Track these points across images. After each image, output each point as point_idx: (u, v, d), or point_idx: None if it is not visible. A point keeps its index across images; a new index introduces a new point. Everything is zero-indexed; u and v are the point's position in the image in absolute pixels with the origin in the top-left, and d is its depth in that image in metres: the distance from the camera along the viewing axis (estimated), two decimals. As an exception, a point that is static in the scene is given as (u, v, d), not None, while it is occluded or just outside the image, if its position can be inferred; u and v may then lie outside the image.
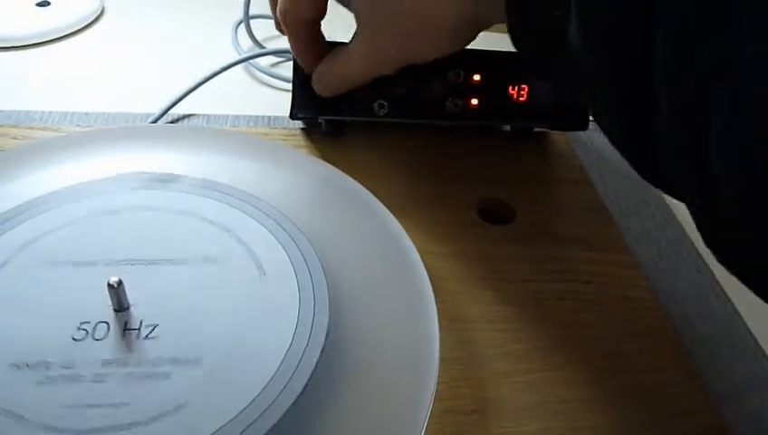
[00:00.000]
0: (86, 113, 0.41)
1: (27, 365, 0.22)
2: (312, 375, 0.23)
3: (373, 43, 0.33)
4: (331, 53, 0.36)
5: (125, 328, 0.24)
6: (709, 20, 0.18)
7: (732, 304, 0.37)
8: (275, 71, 0.48)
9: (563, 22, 0.23)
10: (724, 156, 0.18)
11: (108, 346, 0.23)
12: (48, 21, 0.50)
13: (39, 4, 0.51)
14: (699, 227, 0.21)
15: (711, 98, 0.18)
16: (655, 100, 0.20)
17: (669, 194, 0.24)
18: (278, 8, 0.35)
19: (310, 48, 0.37)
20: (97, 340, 0.23)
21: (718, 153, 0.18)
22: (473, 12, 0.29)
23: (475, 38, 0.31)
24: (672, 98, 0.20)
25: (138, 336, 0.24)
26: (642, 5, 0.20)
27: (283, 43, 0.38)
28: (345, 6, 0.33)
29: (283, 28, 0.36)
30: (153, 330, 0.24)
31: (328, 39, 0.38)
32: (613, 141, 0.25)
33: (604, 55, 0.22)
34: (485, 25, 0.31)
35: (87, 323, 0.24)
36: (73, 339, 0.23)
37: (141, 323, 0.24)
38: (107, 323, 0.24)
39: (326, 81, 0.37)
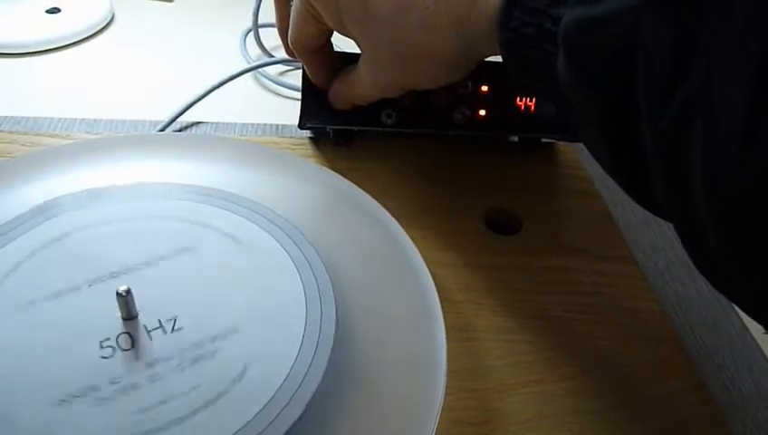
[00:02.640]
0: (95, 120, 0.42)
1: (75, 396, 0.22)
2: (319, 386, 0.23)
3: (377, 72, 0.34)
4: (342, 72, 0.38)
5: (148, 330, 0.24)
6: (685, 54, 0.19)
7: (739, 316, 0.37)
8: (284, 79, 0.48)
9: (552, 55, 0.24)
10: (702, 183, 0.19)
11: (142, 351, 0.23)
12: (57, 28, 0.50)
13: (49, 11, 0.51)
14: (685, 248, 0.22)
15: (688, 127, 0.19)
16: (639, 128, 0.21)
17: (657, 215, 0.25)
18: (288, 38, 0.37)
19: (322, 69, 0.38)
20: (127, 350, 0.23)
21: (697, 180, 0.19)
22: (466, 46, 0.30)
23: (474, 67, 0.32)
24: (654, 127, 0.20)
25: (165, 332, 0.24)
26: (621, 43, 0.21)
27: (292, 52, 0.39)
28: (347, 36, 0.33)
29: (295, 55, 0.38)
30: (175, 322, 0.24)
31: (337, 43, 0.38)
32: (601, 164, 0.25)
33: (589, 87, 0.23)
34: (482, 57, 0.31)
35: (107, 339, 0.24)
36: (103, 358, 0.23)
37: (160, 320, 0.24)
38: (128, 334, 0.24)
39: (341, 99, 0.38)
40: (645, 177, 0.22)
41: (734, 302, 0.22)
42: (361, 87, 0.36)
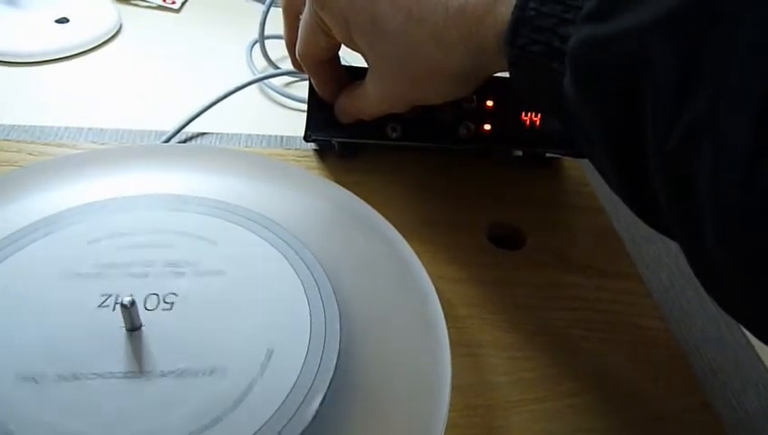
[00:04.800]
0: (101, 130, 0.42)
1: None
2: (322, 402, 0.23)
3: (385, 87, 0.34)
4: (349, 87, 0.38)
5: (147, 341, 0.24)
6: (692, 75, 0.19)
7: (744, 333, 0.36)
8: (289, 91, 0.48)
9: (560, 74, 0.24)
10: (708, 200, 0.19)
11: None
12: (66, 38, 0.50)
13: (58, 21, 0.52)
14: (693, 270, 0.22)
15: (695, 147, 0.19)
16: (645, 146, 0.21)
17: (661, 231, 0.25)
18: (296, 51, 0.37)
19: (329, 82, 0.38)
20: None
21: (702, 197, 0.19)
22: (474, 62, 0.30)
23: (482, 83, 0.32)
24: (660, 145, 0.20)
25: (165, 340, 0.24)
26: (629, 62, 0.21)
27: (298, 64, 0.39)
28: (355, 51, 0.34)
29: (302, 67, 0.38)
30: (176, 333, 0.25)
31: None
32: (607, 181, 0.25)
33: (595, 105, 0.23)
34: (490, 73, 0.31)
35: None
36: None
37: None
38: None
39: (347, 114, 0.38)
40: (650, 194, 0.22)
41: (737, 319, 0.22)
42: (368, 102, 0.36)
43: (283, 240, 0.29)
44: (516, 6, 0.26)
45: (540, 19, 0.25)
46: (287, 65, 0.49)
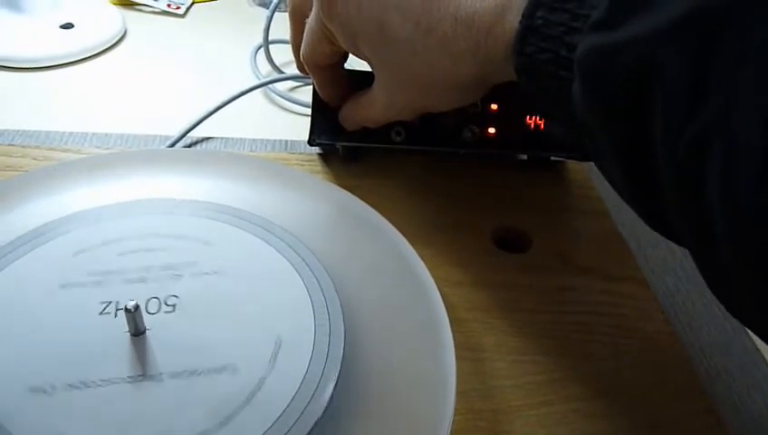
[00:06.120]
0: (106, 135, 0.42)
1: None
2: (327, 406, 0.23)
3: (391, 95, 0.34)
4: (355, 95, 0.37)
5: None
6: (702, 80, 0.19)
7: (750, 336, 0.36)
8: (293, 95, 0.48)
9: (568, 81, 0.24)
10: (720, 206, 0.19)
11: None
12: (71, 43, 0.51)
13: (63, 27, 0.52)
14: (702, 274, 0.22)
15: (706, 151, 0.19)
16: (654, 152, 0.21)
17: (672, 240, 0.24)
18: (300, 55, 0.37)
19: (332, 87, 0.38)
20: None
21: (715, 203, 0.19)
22: (482, 71, 0.30)
23: (488, 91, 0.32)
24: (671, 151, 0.20)
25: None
26: (638, 69, 0.21)
27: (302, 68, 0.39)
28: (361, 58, 0.34)
29: (307, 71, 0.38)
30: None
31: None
32: (617, 189, 0.25)
33: (604, 113, 0.23)
34: (497, 81, 0.31)
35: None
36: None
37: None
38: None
39: (352, 121, 0.38)
40: (658, 199, 0.22)
41: (743, 322, 0.22)
42: (374, 109, 0.36)
43: (287, 244, 0.29)
44: (524, 15, 0.26)
45: (548, 28, 0.25)
46: (292, 70, 0.49)
